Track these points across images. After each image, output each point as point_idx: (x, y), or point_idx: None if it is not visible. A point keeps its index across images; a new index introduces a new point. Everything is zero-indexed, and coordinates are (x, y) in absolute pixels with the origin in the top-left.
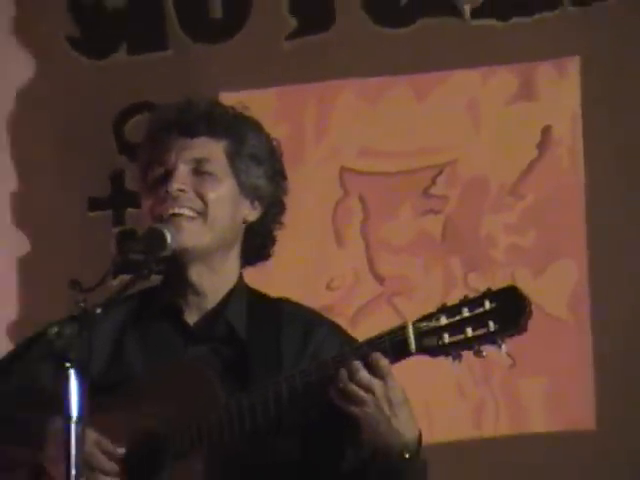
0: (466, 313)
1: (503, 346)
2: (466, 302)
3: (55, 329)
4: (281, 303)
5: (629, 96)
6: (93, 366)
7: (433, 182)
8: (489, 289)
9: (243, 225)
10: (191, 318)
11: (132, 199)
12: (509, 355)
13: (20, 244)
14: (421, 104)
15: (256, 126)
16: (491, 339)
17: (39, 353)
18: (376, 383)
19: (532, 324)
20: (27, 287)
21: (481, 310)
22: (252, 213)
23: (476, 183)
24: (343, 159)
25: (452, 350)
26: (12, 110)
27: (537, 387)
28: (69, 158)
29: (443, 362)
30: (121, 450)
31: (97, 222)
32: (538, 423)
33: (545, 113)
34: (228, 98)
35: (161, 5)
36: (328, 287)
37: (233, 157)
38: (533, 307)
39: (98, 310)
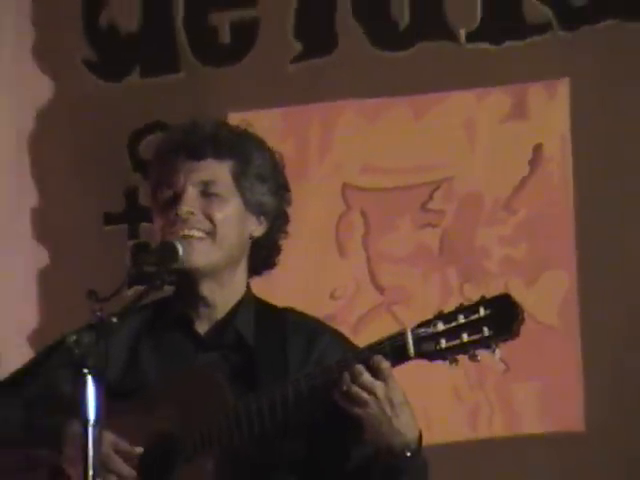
0: (462, 319)
1: (497, 351)
2: (462, 309)
3: (73, 337)
4: (287, 313)
5: (616, 116)
6: (109, 373)
7: (430, 197)
8: (483, 297)
9: (250, 240)
10: (202, 328)
11: (146, 214)
12: (503, 361)
13: (40, 257)
14: (419, 123)
15: (259, 144)
16: (485, 344)
17: (58, 360)
18: (378, 385)
19: (524, 331)
20: (47, 297)
21: (476, 317)
22: (258, 228)
23: (471, 198)
24: (345, 176)
25: (449, 354)
26: (32, 130)
27: (529, 391)
28: (86, 175)
29: (440, 368)
30: (139, 449)
31: (113, 236)
32: (530, 425)
33: (536, 132)
34: (236, 118)
35: (172, 30)
36: (331, 296)
37: (238, 177)
38: (525, 315)
39: (114, 319)
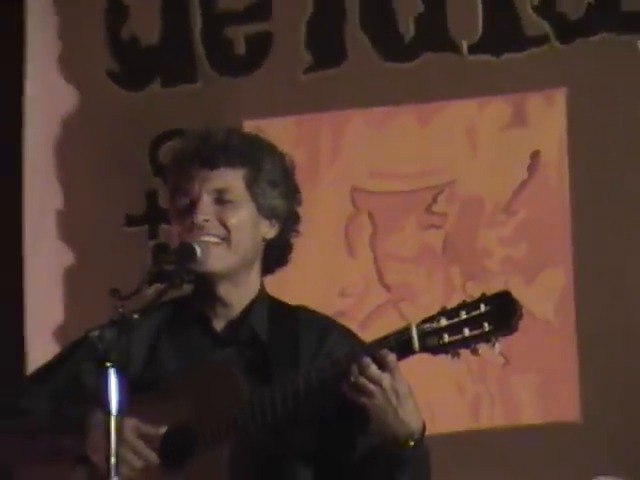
0: (464, 315)
1: (497, 345)
2: (464, 306)
3: (97, 333)
4: (298, 310)
5: (610, 124)
6: (130, 367)
7: (434, 200)
8: (484, 294)
9: (263, 242)
10: (218, 325)
11: (165, 216)
12: (503, 355)
13: (65, 256)
14: (423, 130)
15: (270, 149)
16: (486, 338)
17: (83, 355)
18: (384, 377)
19: (523, 327)
20: (72, 295)
21: (477, 312)
22: (270, 231)
23: (473, 201)
24: (354, 180)
25: (451, 349)
26: (58, 137)
27: (528, 383)
28: (109, 179)
29: (444, 361)
30: (162, 430)
31: (134, 236)
32: (529, 415)
33: (535, 139)
34: (250, 126)
35: (191, 43)
36: (341, 294)
37: (251, 183)
38: (524, 312)
39: (135, 316)
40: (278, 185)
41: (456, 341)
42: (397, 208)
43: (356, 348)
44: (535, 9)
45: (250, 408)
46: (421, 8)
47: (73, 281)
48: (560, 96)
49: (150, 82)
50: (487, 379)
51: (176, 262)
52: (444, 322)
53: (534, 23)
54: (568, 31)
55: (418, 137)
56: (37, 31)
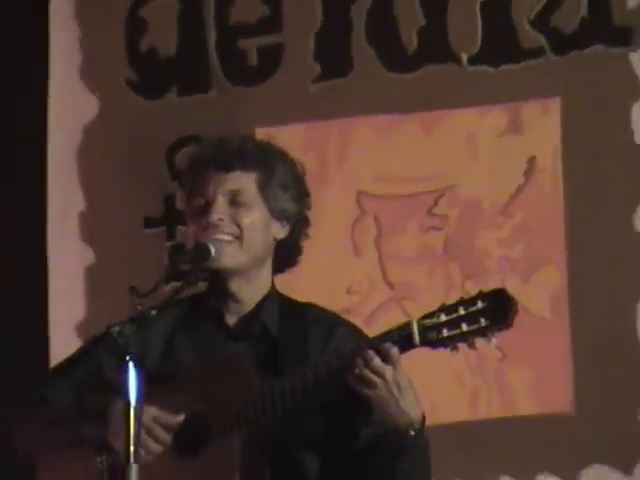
0: (462, 311)
1: (493, 339)
2: (462, 302)
3: (117, 329)
4: (307, 307)
5: (602, 131)
6: (147, 361)
7: (436, 203)
8: (481, 291)
9: (274, 242)
10: (231, 320)
11: (182, 218)
12: (500, 349)
13: (87, 256)
14: (426, 137)
15: (282, 155)
16: (482, 333)
17: (103, 349)
18: (387, 369)
19: (519, 323)
20: (93, 293)
21: (474, 309)
22: (281, 231)
23: (472, 204)
24: (360, 184)
25: (449, 343)
26: (80, 143)
27: (524, 376)
28: (128, 183)
29: (443, 355)
30: (180, 417)
31: (152, 238)
32: (524, 407)
33: (531, 145)
34: (262, 133)
35: (206, 54)
36: (347, 292)
37: (263, 187)
38: (520, 309)
39: (153, 312)
40: (289, 189)
41: (454, 335)
42: (400, 211)
43: (361, 342)
44: (531, 23)
45: (261, 400)
46: (423, 22)
47: (94, 280)
48: (555, 105)
49: (167, 91)
50: (485, 372)
51: (191, 261)
52: (443, 318)
53: (530, 36)
54: (563, 44)
55: (421, 144)
56: (60, 43)
